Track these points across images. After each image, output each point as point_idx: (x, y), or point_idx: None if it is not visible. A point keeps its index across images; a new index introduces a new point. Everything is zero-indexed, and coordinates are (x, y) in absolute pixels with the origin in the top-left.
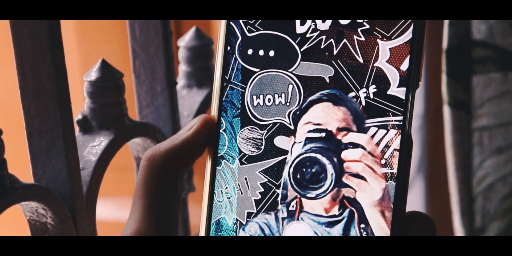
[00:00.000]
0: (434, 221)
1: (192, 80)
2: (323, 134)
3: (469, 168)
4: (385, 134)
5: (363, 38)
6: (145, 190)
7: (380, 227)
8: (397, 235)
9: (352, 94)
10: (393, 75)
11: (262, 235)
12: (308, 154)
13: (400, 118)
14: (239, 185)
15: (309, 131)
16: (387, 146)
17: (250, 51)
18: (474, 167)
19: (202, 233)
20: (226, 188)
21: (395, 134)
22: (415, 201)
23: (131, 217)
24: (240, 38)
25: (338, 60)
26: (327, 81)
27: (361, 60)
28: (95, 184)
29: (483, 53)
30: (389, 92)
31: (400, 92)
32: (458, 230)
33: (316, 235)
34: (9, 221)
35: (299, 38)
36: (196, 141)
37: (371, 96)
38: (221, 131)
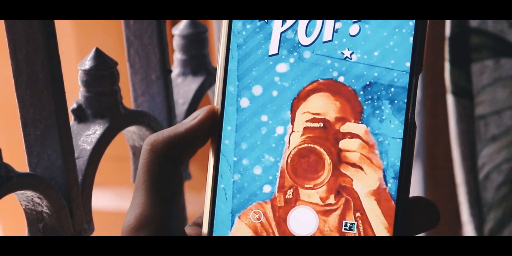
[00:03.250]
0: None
1: (187, 68)
2: (321, 124)
3: (475, 158)
4: (384, 122)
5: None
6: (148, 174)
7: (376, 216)
8: (401, 222)
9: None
10: None
11: (258, 223)
12: (305, 144)
13: (403, 105)
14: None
15: (307, 121)
16: (385, 136)
17: None
18: (477, 157)
19: (205, 224)
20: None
21: (396, 121)
22: (414, 187)
23: (134, 201)
24: None
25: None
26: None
27: None
28: (91, 172)
29: (478, 40)
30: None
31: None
32: (467, 221)
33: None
34: (9, 210)
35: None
36: (199, 131)
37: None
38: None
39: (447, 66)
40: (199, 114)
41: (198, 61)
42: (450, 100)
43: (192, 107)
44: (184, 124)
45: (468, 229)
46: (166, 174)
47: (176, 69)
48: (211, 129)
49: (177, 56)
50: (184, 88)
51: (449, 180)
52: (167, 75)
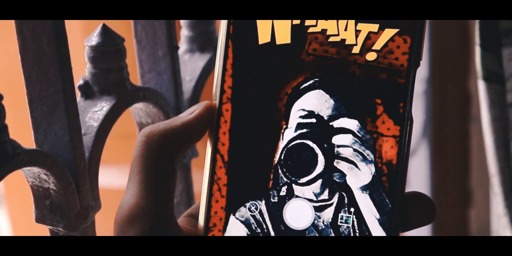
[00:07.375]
0: (434, 202)
1: (194, 45)
2: (314, 120)
3: (509, 146)
4: (379, 117)
5: None
6: (143, 165)
7: (370, 211)
8: (395, 218)
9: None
10: None
11: (252, 219)
12: (299, 140)
13: (400, 100)
14: None
15: (300, 117)
16: (380, 131)
17: None
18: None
19: (201, 218)
20: None
21: (392, 117)
22: (420, 167)
23: (128, 191)
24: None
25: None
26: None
27: None
28: (97, 149)
29: (507, 24)
30: None
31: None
32: (502, 213)
33: (314, 210)
34: (15, 187)
35: None
36: (195, 126)
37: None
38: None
39: (477, 50)
40: (196, 109)
41: (206, 38)
42: (481, 86)
43: (199, 84)
44: (181, 118)
45: (504, 222)
46: (160, 166)
47: (183, 45)
48: (207, 125)
49: (184, 33)
50: (191, 65)
51: (456, 160)
52: (174, 52)
